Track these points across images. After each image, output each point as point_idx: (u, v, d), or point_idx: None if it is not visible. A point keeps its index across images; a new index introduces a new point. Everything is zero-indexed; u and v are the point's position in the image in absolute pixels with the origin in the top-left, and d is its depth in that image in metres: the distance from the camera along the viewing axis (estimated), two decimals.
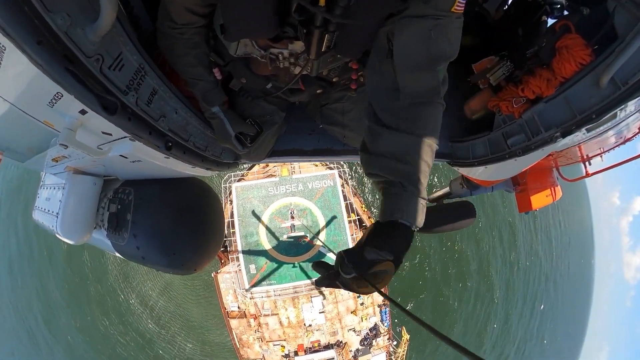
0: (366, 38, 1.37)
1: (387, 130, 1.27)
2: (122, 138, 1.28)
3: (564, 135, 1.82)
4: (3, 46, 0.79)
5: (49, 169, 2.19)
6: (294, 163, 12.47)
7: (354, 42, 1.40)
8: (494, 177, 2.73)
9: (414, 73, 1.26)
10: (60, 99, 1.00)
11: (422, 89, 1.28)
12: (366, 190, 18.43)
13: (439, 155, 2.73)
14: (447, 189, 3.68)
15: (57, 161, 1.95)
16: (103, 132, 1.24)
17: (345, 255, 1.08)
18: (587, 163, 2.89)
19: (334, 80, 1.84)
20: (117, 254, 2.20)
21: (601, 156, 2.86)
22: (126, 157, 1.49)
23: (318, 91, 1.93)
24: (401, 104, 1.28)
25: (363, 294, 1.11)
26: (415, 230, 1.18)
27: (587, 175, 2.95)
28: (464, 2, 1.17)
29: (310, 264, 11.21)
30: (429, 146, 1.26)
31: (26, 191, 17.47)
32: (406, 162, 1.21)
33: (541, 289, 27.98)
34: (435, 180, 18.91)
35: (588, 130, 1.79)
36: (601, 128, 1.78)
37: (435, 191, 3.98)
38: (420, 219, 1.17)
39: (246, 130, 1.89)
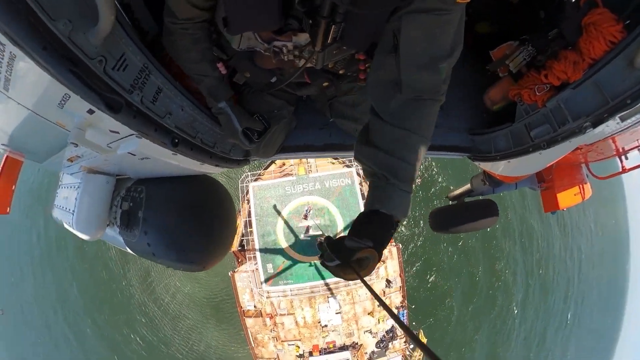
0: (372, 29, 1.37)
1: (382, 123, 1.32)
2: (129, 136, 1.35)
3: (594, 125, 1.64)
4: (13, 54, 0.89)
5: (66, 169, 2.30)
6: (311, 161, 12.46)
7: (360, 34, 1.39)
8: (518, 173, 2.57)
9: (418, 70, 1.27)
10: (68, 99, 1.09)
11: (425, 86, 1.29)
12: None
13: (458, 149, 2.60)
14: (468, 186, 3.53)
15: (72, 161, 2.06)
16: (111, 131, 1.31)
17: (327, 245, 1.21)
18: (623, 157, 2.58)
19: (340, 72, 1.83)
20: (129, 251, 2.26)
21: (639, 149, 2.60)
22: (134, 155, 1.55)
23: (325, 84, 1.91)
24: (401, 98, 1.31)
25: (349, 279, 1.19)
26: (400, 220, 1.27)
27: (624, 170, 2.67)
28: None
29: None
30: (422, 142, 1.29)
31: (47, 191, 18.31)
32: (395, 156, 1.26)
33: (568, 298, 26.51)
34: (440, 178, 18.33)
35: (622, 119, 1.61)
36: (638, 115, 1.60)
37: (453, 190, 3.80)
38: (402, 210, 1.26)
39: (253, 126, 1.89)
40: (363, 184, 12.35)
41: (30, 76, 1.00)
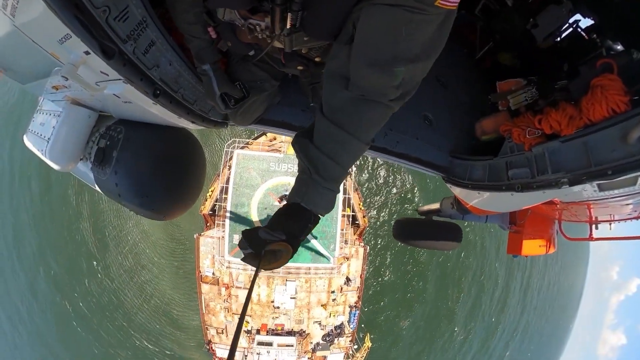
0: (334, 21, 1.32)
1: (321, 117, 1.28)
2: (116, 79, 1.44)
3: (571, 183, 1.67)
4: None
5: (48, 95, 2.32)
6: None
7: (321, 24, 1.39)
8: (488, 208, 2.63)
9: (368, 66, 1.16)
10: (69, 39, 1.19)
11: (373, 86, 1.20)
12: (369, 187, 18.35)
13: (434, 166, 2.64)
14: (437, 205, 3.58)
15: (57, 89, 2.10)
16: (101, 72, 1.41)
17: (242, 233, 1.24)
18: (593, 226, 2.71)
19: (316, 59, 1.88)
20: (97, 188, 2.34)
21: (610, 224, 2.70)
22: (118, 97, 1.67)
23: (299, 67, 1.99)
24: (347, 95, 1.24)
25: (254, 266, 1.22)
26: (321, 215, 1.29)
27: (590, 239, 2.77)
28: None
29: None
30: (356, 145, 1.27)
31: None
32: (325, 153, 1.25)
33: (511, 339, 27.82)
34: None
35: (601, 189, 1.64)
36: (616, 192, 1.62)
37: (423, 205, 3.86)
38: (323, 207, 1.28)
39: (232, 92, 1.96)
40: (348, 178, 12.40)
41: (37, 11, 1.09)
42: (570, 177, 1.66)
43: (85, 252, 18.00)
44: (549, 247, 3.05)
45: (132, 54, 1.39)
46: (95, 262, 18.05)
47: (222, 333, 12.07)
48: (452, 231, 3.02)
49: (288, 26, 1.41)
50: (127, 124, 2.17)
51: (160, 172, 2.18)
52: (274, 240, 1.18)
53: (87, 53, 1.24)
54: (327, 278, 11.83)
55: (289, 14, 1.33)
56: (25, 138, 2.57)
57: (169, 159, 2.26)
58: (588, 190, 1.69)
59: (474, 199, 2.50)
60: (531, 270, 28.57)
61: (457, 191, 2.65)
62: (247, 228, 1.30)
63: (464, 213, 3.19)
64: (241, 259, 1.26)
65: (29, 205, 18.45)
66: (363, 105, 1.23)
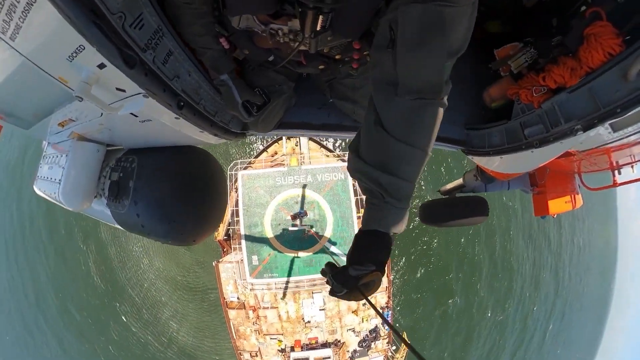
0: (362, 19, 1.38)
1: (384, 135, 1.24)
2: (135, 95, 1.39)
3: (585, 129, 1.77)
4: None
5: (52, 137, 2.30)
6: (304, 152, 12.53)
7: (350, 23, 1.42)
8: (511, 170, 2.70)
9: (417, 67, 1.18)
10: (81, 52, 1.13)
11: (423, 85, 1.20)
12: None
13: (453, 141, 2.72)
14: (460, 181, 3.66)
15: (63, 126, 2.06)
16: (117, 89, 1.36)
17: (332, 278, 1.27)
18: (616, 172, 2.69)
19: (337, 57, 1.88)
20: (117, 224, 2.28)
21: (632, 166, 2.68)
22: (136, 116, 1.60)
23: (321, 67, 1.98)
24: (399, 104, 1.23)
25: (357, 300, 1.28)
26: (393, 235, 1.29)
27: (615, 184, 2.74)
28: None
29: (313, 259, 11.41)
30: (422, 157, 1.26)
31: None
32: (393, 173, 1.23)
33: (550, 309, 27.31)
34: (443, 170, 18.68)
35: (614, 130, 1.74)
36: (629, 129, 1.73)
37: (445, 185, 3.94)
38: (399, 227, 1.28)
39: (253, 99, 1.96)
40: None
41: (45, 26, 1.02)
42: (583, 123, 1.76)
43: (102, 294, 18.16)
44: (575, 201, 3.10)
45: (152, 64, 1.35)
46: (118, 304, 18.16)
47: (256, 356, 11.99)
48: (478, 205, 3.09)
49: (318, 28, 1.41)
50: (138, 152, 2.14)
51: (182, 194, 2.12)
52: (365, 274, 1.21)
53: (101, 67, 1.18)
54: None
55: (320, 16, 1.34)
56: (35, 187, 2.55)
57: (189, 179, 2.20)
58: (602, 133, 1.79)
59: (496, 164, 2.62)
60: (560, 241, 28.17)
61: (478, 160, 2.76)
62: (333, 270, 1.31)
63: (488, 182, 3.27)
64: (341, 299, 1.31)
65: (45, 263, 18.67)
66: (422, 112, 1.22)
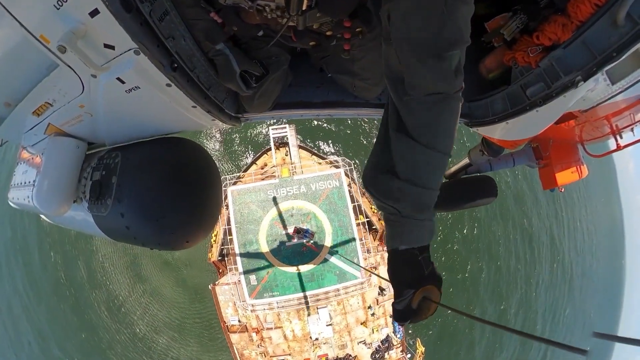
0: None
1: (410, 142, 1.20)
2: (126, 52, 1.33)
3: (585, 78, 1.88)
4: None
5: (28, 136, 2.14)
6: (295, 162, 12.54)
7: (336, 3, 1.45)
8: (518, 136, 2.76)
9: (420, 61, 1.14)
10: None
11: (430, 81, 1.15)
12: None
13: None
14: (466, 161, 3.72)
15: (39, 115, 1.91)
16: (105, 45, 1.30)
17: (395, 320, 1.35)
18: (617, 136, 2.75)
19: (327, 34, 1.90)
20: (99, 232, 2.14)
21: (633, 129, 2.73)
22: (123, 82, 1.52)
23: (311, 43, 2.01)
24: (415, 100, 1.19)
25: (426, 318, 1.28)
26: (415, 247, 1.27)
27: (618, 148, 2.78)
28: None
29: (314, 272, 11.28)
30: (445, 161, 1.24)
31: None
32: (416, 183, 1.21)
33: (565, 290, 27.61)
34: None
35: (613, 82, 1.86)
36: (627, 80, 1.85)
37: (450, 167, 4.01)
38: (426, 237, 1.26)
39: (252, 69, 1.93)
40: (352, 185, 12.48)
41: None
42: (583, 73, 1.86)
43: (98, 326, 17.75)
44: (581, 171, 3.22)
45: (148, 16, 1.29)
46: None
47: None
48: (485, 185, 3.16)
49: (304, 7, 1.42)
50: (122, 148, 2.04)
51: (171, 186, 1.95)
52: (410, 298, 1.21)
53: (93, 14, 1.10)
54: (360, 294, 11.66)
55: None
56: (8, 197, 2.39)
57: (178, 169, 2.03)
58: (601, 85, 1.91)
59: (503, 131, 2.72)
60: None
61: (483, 130, 2.85)
62: (393, 317, 1.34)
63: (497, 153, 3.34)
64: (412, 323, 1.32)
65: (44, 312, 18.21)
66: (440, 111, 1.18)
